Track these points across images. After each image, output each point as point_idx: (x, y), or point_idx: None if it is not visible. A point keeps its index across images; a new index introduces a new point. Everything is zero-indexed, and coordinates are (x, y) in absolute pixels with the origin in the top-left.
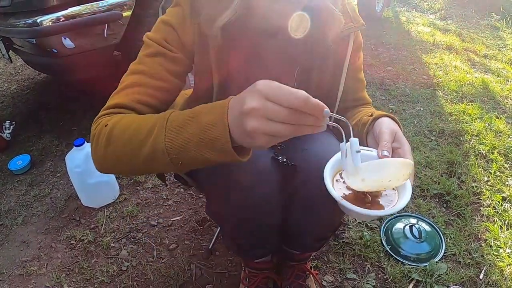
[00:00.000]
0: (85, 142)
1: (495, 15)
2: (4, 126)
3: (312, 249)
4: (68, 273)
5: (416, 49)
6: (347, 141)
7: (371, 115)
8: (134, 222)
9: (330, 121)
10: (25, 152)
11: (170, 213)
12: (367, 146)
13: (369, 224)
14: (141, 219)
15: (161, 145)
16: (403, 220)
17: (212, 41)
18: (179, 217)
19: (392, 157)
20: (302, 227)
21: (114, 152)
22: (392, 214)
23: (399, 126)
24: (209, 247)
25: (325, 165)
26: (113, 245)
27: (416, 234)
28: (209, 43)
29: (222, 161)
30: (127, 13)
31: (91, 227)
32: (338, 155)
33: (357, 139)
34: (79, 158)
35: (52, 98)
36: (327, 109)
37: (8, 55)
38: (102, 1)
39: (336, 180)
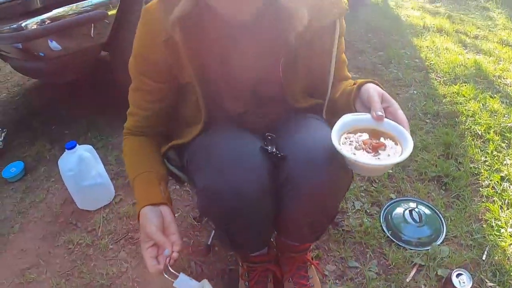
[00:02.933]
0: (77, 145)
1: None
2: None
3: (310, 240)
4: (67, 278)
5: (407, 33)
6: None
7: (354, 84)
8: (131, 223)
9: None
10: (18, 159)
11: None
12: (357, 112)
13: (368, 211)
14: None
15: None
16: (402, 204)
17: (175, 34)
18: (176, 215)
19: (385, 116)
20: (296, 218)
21: None
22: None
23: (382, 89)
24: (208, 243)
25: (314, 154)
26: (111, 247)
27: (416, 218)
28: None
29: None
30: (112, 12)
31: (88, 230)
32: (345, 117)
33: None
34: (71, 161)
35: (43, 102)
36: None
37: None
38: (86, 1)
39: (343, 143)
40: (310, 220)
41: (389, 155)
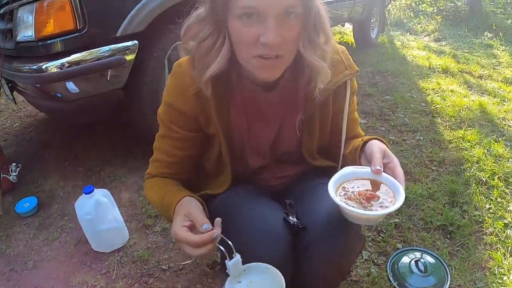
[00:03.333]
0: (94, 189)
1: (488, 33)
2: (10, 169)
3: None
4: None
5: (413, 75)
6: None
7: (362, 140)
8: (145, 267)
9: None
10: (31, 193)
11: (180, 257)
12: (361, 165)
13: (375, 261)
14: (152, 263)
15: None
16: (408, 254)
17: (207, 91)
18: (189, 261)
19: (384, 171)
20: (312, 279)
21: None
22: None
23: (387, 146)
24: None
25: (331, 224)
26: None
27: (422, 268)
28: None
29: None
30: (130, 57)
31: (103, 272)
32: (345, 169)
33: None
34: (89, 205)
35: (55, 135)
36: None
37: (12, 96)
38: (105, 47)
39: (339, 194)
40: (325, 281)
41: (381, 206)
